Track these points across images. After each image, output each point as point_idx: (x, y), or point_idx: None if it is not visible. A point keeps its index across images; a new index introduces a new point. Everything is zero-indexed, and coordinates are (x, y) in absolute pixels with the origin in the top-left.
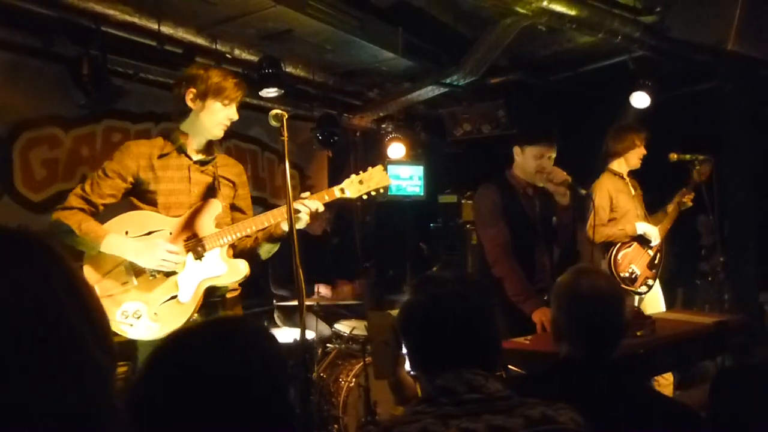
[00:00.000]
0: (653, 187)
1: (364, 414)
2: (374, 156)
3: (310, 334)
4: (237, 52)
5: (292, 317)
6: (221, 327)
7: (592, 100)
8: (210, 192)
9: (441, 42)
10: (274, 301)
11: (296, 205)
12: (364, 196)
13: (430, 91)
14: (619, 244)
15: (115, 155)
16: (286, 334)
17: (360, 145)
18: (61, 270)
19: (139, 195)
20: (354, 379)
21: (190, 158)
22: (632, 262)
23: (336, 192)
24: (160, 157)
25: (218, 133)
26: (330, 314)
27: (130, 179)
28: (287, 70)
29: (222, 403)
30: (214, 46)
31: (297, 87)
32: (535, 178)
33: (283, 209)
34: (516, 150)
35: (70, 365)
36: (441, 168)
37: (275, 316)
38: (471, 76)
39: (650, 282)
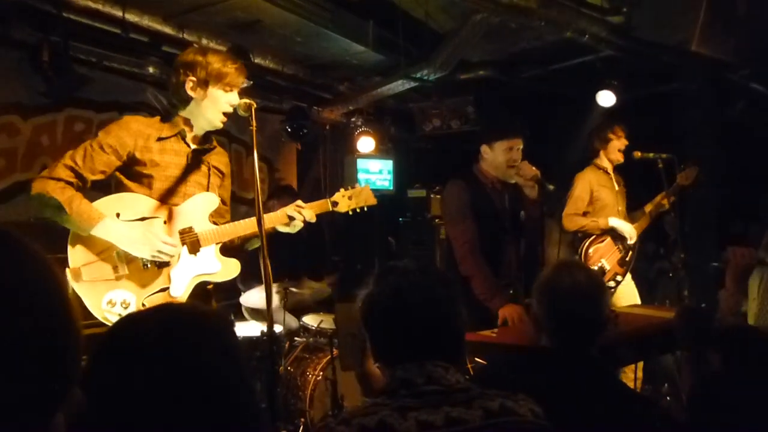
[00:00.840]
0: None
1: (331, 407)
2: (344, 149)
3: (277, 328)
4: (205, 41)
5: (260, 311)
6: (173, 314)
7: (560, 98)
8: (203, 182)
9: (412, 37)
10: (242, 293)
11: (292, 213)
12: (350, 212)
13: (400, 86)
14: (591, 238)
15: (112, 128)
16: (253, 328)
17: (329, 138)
18: (46, 266)
19: (129, 174)
20: (321, 373)
21: (188, 146)
22: (603, 256)
23: (329, 204)
24: (159, 140)
25: (218, 123)
26: (297, 308)
27: (125, 157)
28: (256, 61)
29: (181, 393)
30: (181, 35)
31: (266, 79)
32: (506, 173)
33: (279, 213)
34: (484, 149)
35: (71, 365)
36: (410, 162)
37: (243, 309)
38: (441, 72)
39: (619, 278)
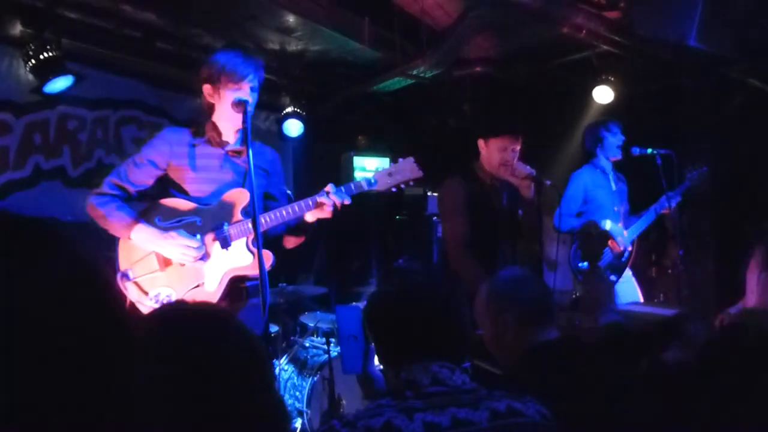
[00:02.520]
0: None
1: (328, 408)
2: (340, 147)
3: (274, 327)
4: (200, 38)
5: None
6: (175, 315)
7: (556, 95)
8: (241, 181)
9: (408, 33)
10: None
11: (321, 198)
12: (393, 189)
13: (396, 83)
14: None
15: (153, 141)
16: None
17: (325, 135)
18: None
19: (171, 179)
20: (318, 373)
21: (222, 147)
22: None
23: (364, 184)
24: (194, 144)
25: (239, 122)
26: (295, 307)
27: (164, 165)
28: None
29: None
30: (176, 32)
31: None
32: (499, 171)
33: (307, 202)
34: (480, 143)
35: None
36: None
37: None
38: (437, 69)
39: (613, 277)
